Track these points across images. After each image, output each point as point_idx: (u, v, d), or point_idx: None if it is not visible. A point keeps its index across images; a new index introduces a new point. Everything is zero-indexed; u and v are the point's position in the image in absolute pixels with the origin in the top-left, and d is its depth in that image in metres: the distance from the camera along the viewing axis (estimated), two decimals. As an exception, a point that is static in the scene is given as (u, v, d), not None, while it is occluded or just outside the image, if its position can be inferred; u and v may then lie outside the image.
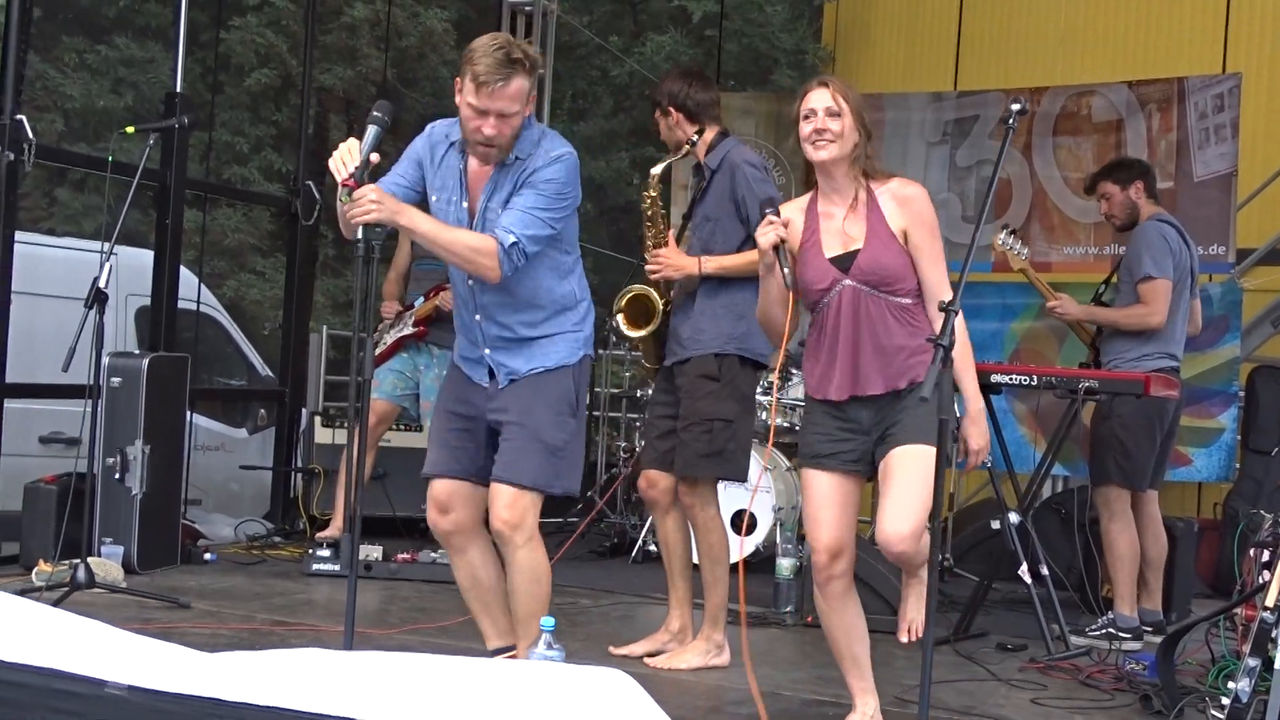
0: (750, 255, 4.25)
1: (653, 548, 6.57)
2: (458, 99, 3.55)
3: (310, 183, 7.12)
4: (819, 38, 12.60)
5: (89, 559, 4.84)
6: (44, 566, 5.09)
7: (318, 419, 7.04)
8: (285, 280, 7.29)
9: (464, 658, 2.35)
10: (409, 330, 6.16)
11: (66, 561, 5.04)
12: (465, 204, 3.64)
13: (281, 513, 6.99)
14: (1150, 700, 4.15)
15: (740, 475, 4.47)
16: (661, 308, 4.52)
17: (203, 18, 13.39)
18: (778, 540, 5.80)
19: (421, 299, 6.16)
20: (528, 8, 8.91)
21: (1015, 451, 7.81)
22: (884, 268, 3.42)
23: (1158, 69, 7.69)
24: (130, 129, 4.98)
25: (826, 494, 3.45)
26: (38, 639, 2.51)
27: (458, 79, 3.54)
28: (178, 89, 6.34)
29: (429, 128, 3.74)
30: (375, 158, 3.38)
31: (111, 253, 4.75)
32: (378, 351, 6.23)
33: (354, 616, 3.13)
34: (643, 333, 4.55)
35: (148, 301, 7.62)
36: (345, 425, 6.98)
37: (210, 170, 12.98)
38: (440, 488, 3.72)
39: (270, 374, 8.95)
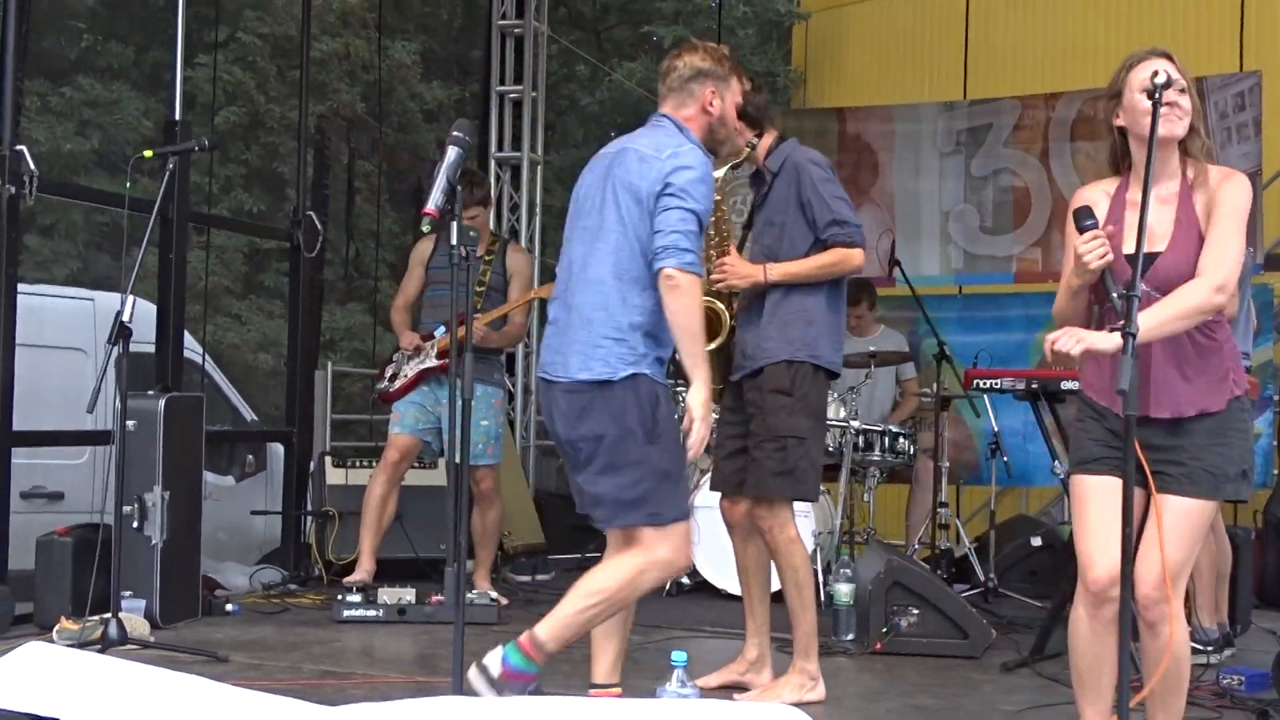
0: (820, 259, 4.16)
1: (685, 580, 6.34)
2: (725, 105, 3.69)
3: (312, 213, 6.87)
4: (789, 59, 12.59)
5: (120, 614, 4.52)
6: (67, 624, 4.78)
7: (328, 460, 6.81)
8: (289, 314, 7.03)
9: (631, 700, 2.11)
10: (431, 363, 5.91)
11: (90, 618, 4.76)
12: None
13: (294, 558, 6.70)
14: (1270, 717, 3.95)
15: (813, 495, 4.34)
16: (728, 321, 4.34)
17: (166, 56, 13.17)
18: (832, 565, 5.61)
19: (441, 329, 5.89)
20: (517, 30, 8.74)
21: (1044, 465, 7.67)
22: (1185, 278, 3.02)
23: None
24: (149, 153, 4.74)
25: (1107, 503, 3.00)
26: (143, 701, 2.23)
27: (712, 90, 3.64)
28: (177, 116, 6.06)
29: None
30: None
31: (130, 288, 4.51)
32: (397, 385, 5.98)
33: (462, 660, 2.86)
34: (709, 347, 4.30)
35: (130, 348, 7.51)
36: (359, 465, 6.79)
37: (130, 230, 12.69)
38: None
39: (254, 417, 8.68)
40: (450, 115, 14.83)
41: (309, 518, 6.66)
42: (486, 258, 5.94)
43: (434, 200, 3.07)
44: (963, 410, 7.21)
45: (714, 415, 3.95)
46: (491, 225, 5.94)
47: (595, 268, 3.53)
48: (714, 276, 4.26)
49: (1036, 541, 6.68)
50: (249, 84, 12.52)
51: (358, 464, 6.79)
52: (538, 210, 8.80)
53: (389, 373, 6.08)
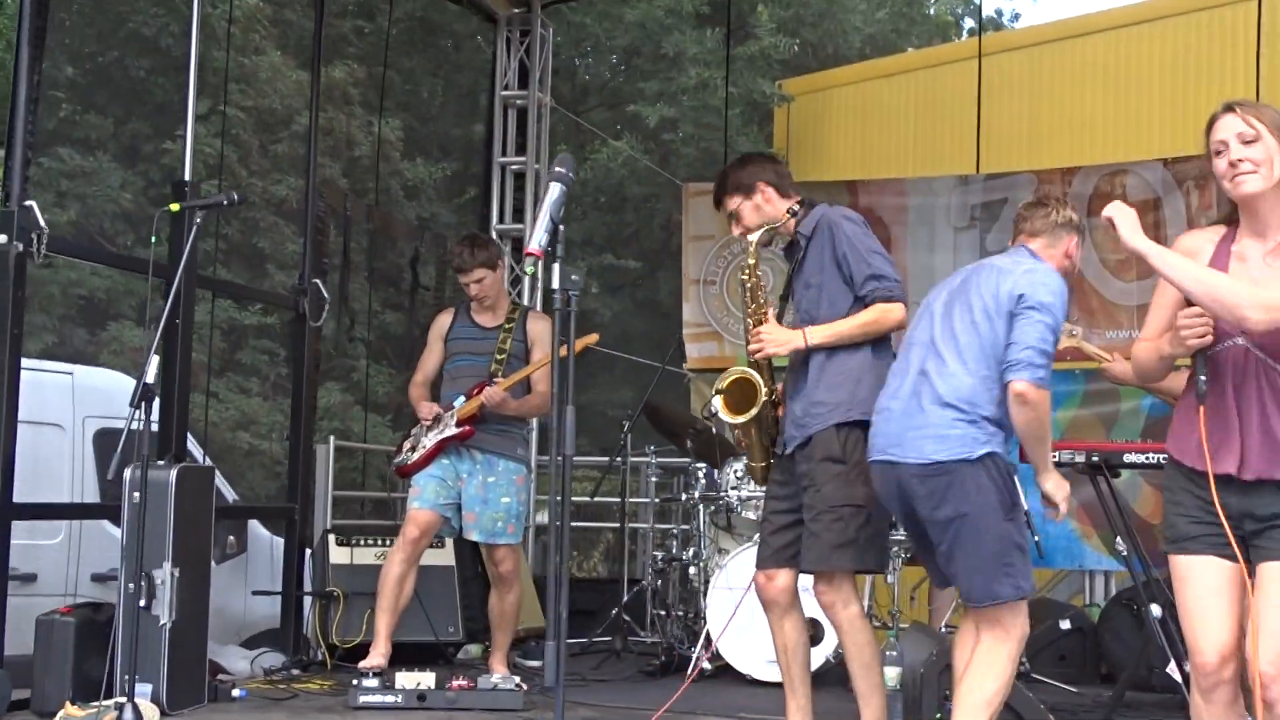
0: (860, 318, 4.11)
1: (707, 665, 6.14)
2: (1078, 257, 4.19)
3: (318, 281, 6.71)
4: (771, 141, 12.64)
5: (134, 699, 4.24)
6: (72, 710, 4.48)
7: (332, 538, 6.58)
8: (292, 385, 6.83)
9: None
10: (451, 431, 5.70)
11: (96, 704, 4.50)
12: None
13: (295, 642, 6.44)
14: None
15: (879, 565, 4.25)
16: (764, 393, 4.21)
17: (145, 128, 13.01)
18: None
19: (462, 398, 5.72)
20: (519, 101, 8.66)
21: (1064, 547, 7.53)
22: None
23: (1191, 146, 7.58)
24: (175, 206, 4.53)
25: (1209, 583, 3.01)
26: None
27: (1076, 242, 4.14)
28: (187, 176, 5.88)
29: None
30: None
31: (155, 350, 4.31)
32: (415, 456, 5.77)
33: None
34: (744, 418, 4.25)
35: (107, 424, 7.23)
36: (364, 544, 6.58)
37: (154, 288, 12.48)
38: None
39: (235, 497, 8.45)
40: (430, 194, 14.74)
41: (314, 599, 6.41)
42: (506, 325, 5.81)
43: (537, 239, 2.91)
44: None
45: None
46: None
47: (950, 364, 3.80)
48: (752, 347, 4.20)
49: (1066, 624, 6.53)
50: (231, 158, 12.34)
51: (362, 542, 6.58)
52: (542, 282, 8.65)
53: (407, 445, 5.87)
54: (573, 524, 12.19)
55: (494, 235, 8.52)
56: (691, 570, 6.61)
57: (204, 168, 12.52)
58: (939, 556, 3.82)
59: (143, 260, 4.95)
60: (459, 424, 5.68)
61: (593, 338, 5.50)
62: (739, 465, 6.48)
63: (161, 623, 4.91)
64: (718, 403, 4.32)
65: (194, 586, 5.12)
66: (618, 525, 7.85)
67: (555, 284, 2.99)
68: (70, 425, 7.13)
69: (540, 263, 3.02)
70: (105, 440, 7.50)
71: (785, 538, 4.18)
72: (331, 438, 7.20)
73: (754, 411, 4.23)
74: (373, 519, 9.32)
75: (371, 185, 13.34)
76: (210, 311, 12.14)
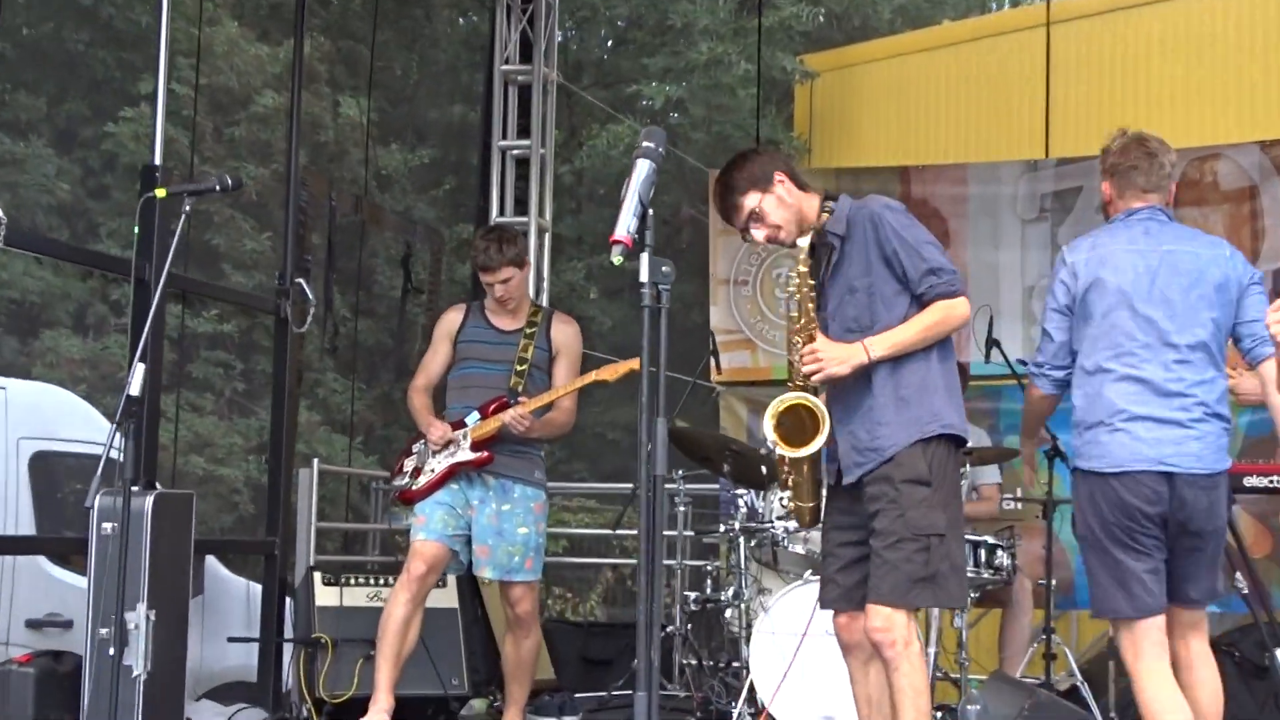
0: (924, 321, 4.11)
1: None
2: None
3: (301, 280, 6.64)
4: (791, 125, 12.61)
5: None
6: (34, 775, 4.38)
7: (317, 576, 6.50)
8: (273, 401, 6.75)
9: None
10: (466, 456, 5.62)
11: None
12: None
13: (274, 696, 6.37)
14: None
15: (962, 598, 4.36)
16: (826, 422, 4.14)
17: (83, 109, 12.94)
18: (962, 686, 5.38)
19: (476, 415, 5.63)
20: (522, 77, 8.61)
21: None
22: None
23: (1294, 126, 7.59)
24: (162, 191, 4.45)
25: None
26: None
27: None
28: (157, 161, 5.81)
29: None
30: None
31: (140, 357, 4.32)
32: (421, 481, 5.70)
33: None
34: (807, 451, 4.18)
35: (44, 445, 7.28)
36: (354, 583, 6.53)
37: (94, 290, 12.40)
38: None
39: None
40: (405, 185, 14.69)
41: (300, 648, 6.34)
42: (527, 330, 5.75)
43: (626, 224, 2.86)
44: (1059, 519, 7.01)
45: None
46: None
47: (1202, 368, 4.26)
48: (807, 368, 4.11)
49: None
50: (181, 143, 12.27)
51: (353, 581, 6.53)
52: (545, 284, 8.59)
53: (408, 466, 5.79)
54: (566, 560, 12.22)
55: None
56: (729, 613, 6.52)
57: (148, 154, 12.51)
58: (1185, 567, 4.27)
59: (113, 258, 4.84)
60: (474, 448, 5.59)
61: (635, 362, 5.37)
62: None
63: (135, 674, 4.82)
64: (773, 437, 4.24)
65: (171, 632, 5.03)
66: (620, 561, 7.82)
67: (644, 276, 2.91)
68: (1, 447, 7.12)
69: (626, 250, 2.99)
70: (43, 465, 7.46)
71: (856, 574, 4.19)
72: (315, 461, 7.09)
73: (819, 442, 4.16)
74: (343, 554, 9.26)
75: (338, 174, 13.33)
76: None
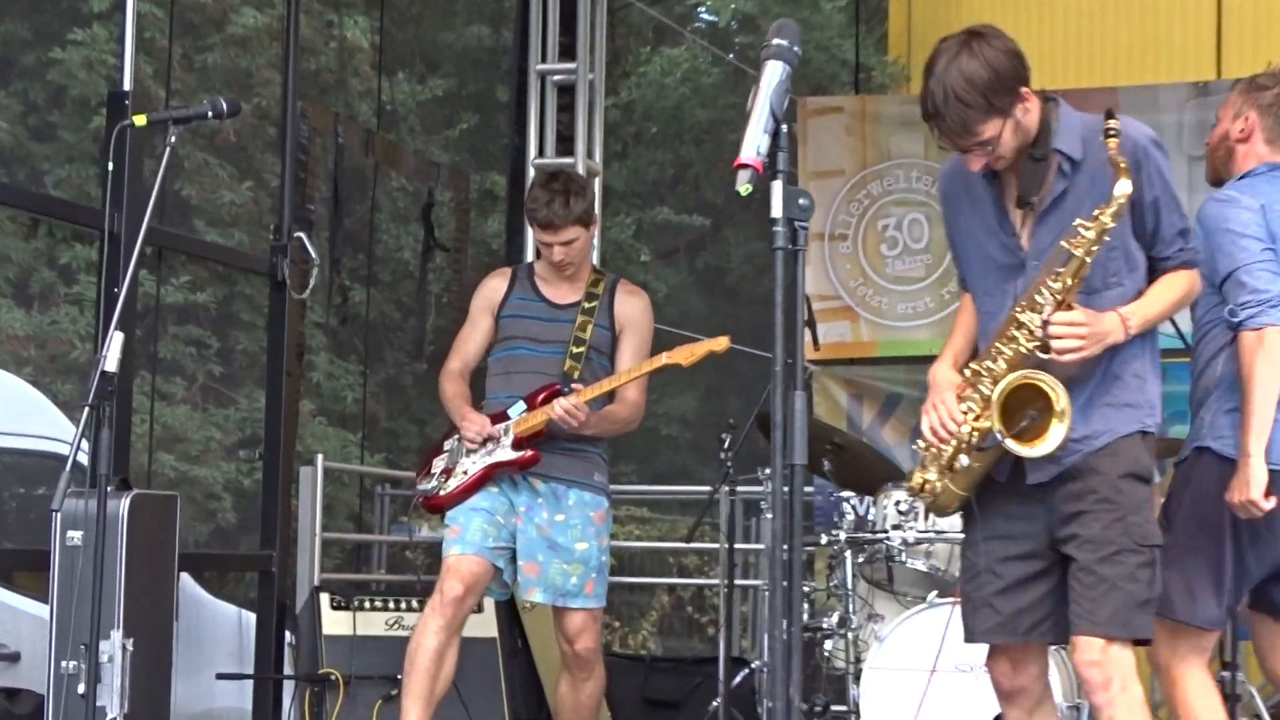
0: (1172, 292, 4.05)
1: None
2: None
3: (302, 235, 6.66)
4: (884, 47, 12.55)
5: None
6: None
7: (324, 599, 6.54)
8: (268, 381, 6.80)
9: None
10: (507, 455, 5.57)
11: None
12: None
13: (268, 745, 6.46)
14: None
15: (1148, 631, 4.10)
16: (1062, 402, 3.94)
17: (22, 31, 12.97)
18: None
19: (521, 406, 5.59)
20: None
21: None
22: None
23: None
24: (141, 119, 4.42)
25: None
26: None
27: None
28: (126, 86, 5.86)
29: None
30: None
31: (116, 324, 4.35)
32: (454, 485, 5.63)
33: None
34: (1046, 447, 3.96)
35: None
36: (370, 607, 6.58)
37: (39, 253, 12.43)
38: None
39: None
40: (413, 123, 14.69)
41: (304, 685, 6.42)
42: (586, 303, 5.70)
43: (755, 144, 2.80)
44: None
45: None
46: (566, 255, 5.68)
47: None
48: (1061, 344, 3.90)
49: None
50: (144, 71, 12.30)
51: (368, 605, 6.58)
52: (595, 239, 8.52)
53: (437, 466, 5.75)
54: (614, 580, 12.20)
55: (531, 174, 8.37)
56: (830, 645, 6.52)
57: (105, 83, 12.54)
58: None
59: (76, 207, 4.86)
60: (517, 445, 5.54)
61: (721, 342, 5.42)
62: (899, 494, 6.40)
63: (110, 716, 4.87)
64: (997, 420, 4.01)
65: (153, 665, 5.08)
66: (681, 582, 7.81)
67: (776, 211, 2.85)
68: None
69: (756, 179, 2.92)
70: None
71: (1022, 599, 4.07)
72: (319, 458, 7.08)
73: (1063, 429, 3.94)
74: (347, 573, 9.26)
75: (339, 106, 13.35)
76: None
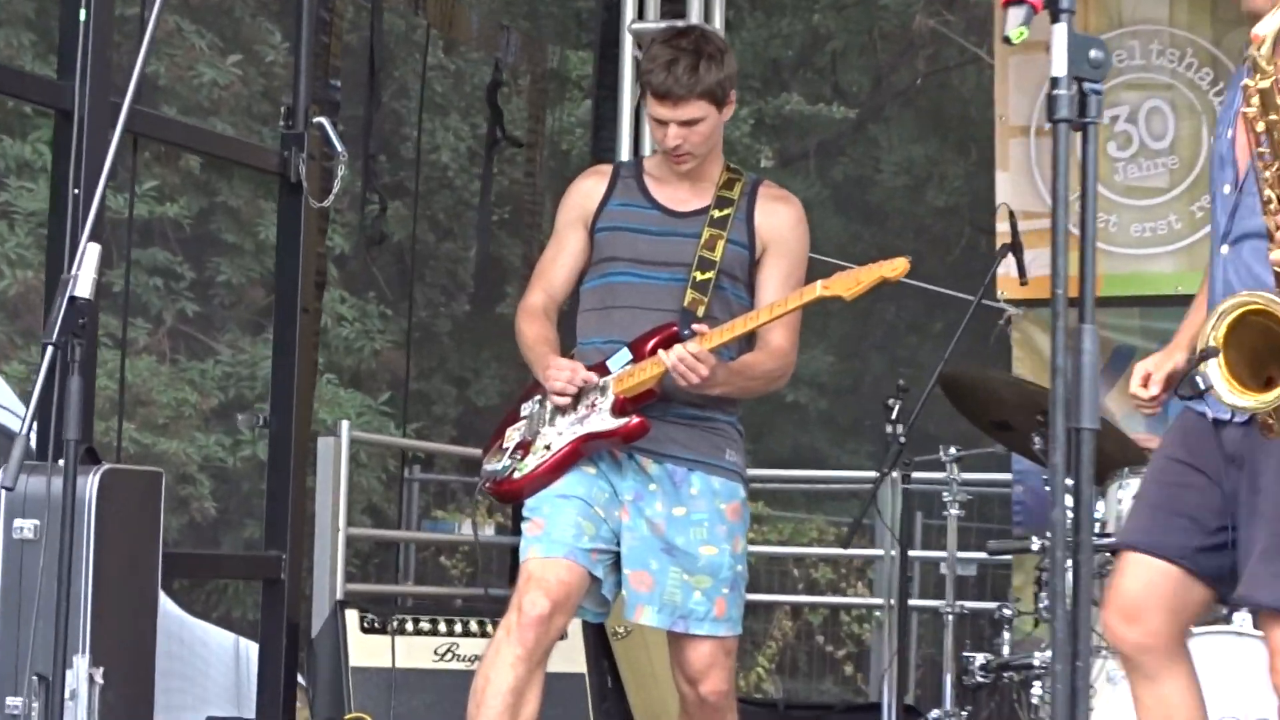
0: None
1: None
2: None
3: (324, 120, 6.66)
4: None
5: None
6: None
7: (351, 617, 6.68)
8: (276, 323, 6.86)
9: None
10: (604, 422, 5.53)
11: None
12: None
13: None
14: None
15: None
16: None
17: None
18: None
19: (626, 354, 5.55)
20: None
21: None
22: None
23: None
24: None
25: None
26: None
27: None
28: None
29: None
30: None
31: (90, 234, 4.38)
32: (530, 466, 5.59)
33: None
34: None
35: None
36: (413, 629, 6.69)
37: None
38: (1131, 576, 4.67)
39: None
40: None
41: None
42: (717, 211, 5.65)
43: None
44: None
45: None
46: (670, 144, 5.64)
47: None
48: None
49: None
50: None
51: (410, 627, 6.68)
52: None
53: (511, 439, 5.72)
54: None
55: (627, 41, 8.43)
56: (1040, 688, 6.53)
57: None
58: None
59: (22, 75, 4.83)
60: (618, 410, 5.49)
61: (898, 265, 5.38)
62: (1135, 482, 6.40)
63: (73, 769, 5.04)
64: (1220, 371, 4.33)
65: (131, 702, 5.19)
66: (811, 600, 7.73)
67: (1059, 66, 2.74)
68: None
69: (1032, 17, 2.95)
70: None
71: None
72: (344, 425, 7.13)
73: None
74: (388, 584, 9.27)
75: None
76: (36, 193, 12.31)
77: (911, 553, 7.63)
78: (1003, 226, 8.12)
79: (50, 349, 4.21)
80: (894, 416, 7.24)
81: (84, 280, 4.26)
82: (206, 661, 7.40)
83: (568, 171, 8.38)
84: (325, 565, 7.07)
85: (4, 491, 4.97)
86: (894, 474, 7.25)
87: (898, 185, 15.99)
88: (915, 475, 7.49)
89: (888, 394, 7.13)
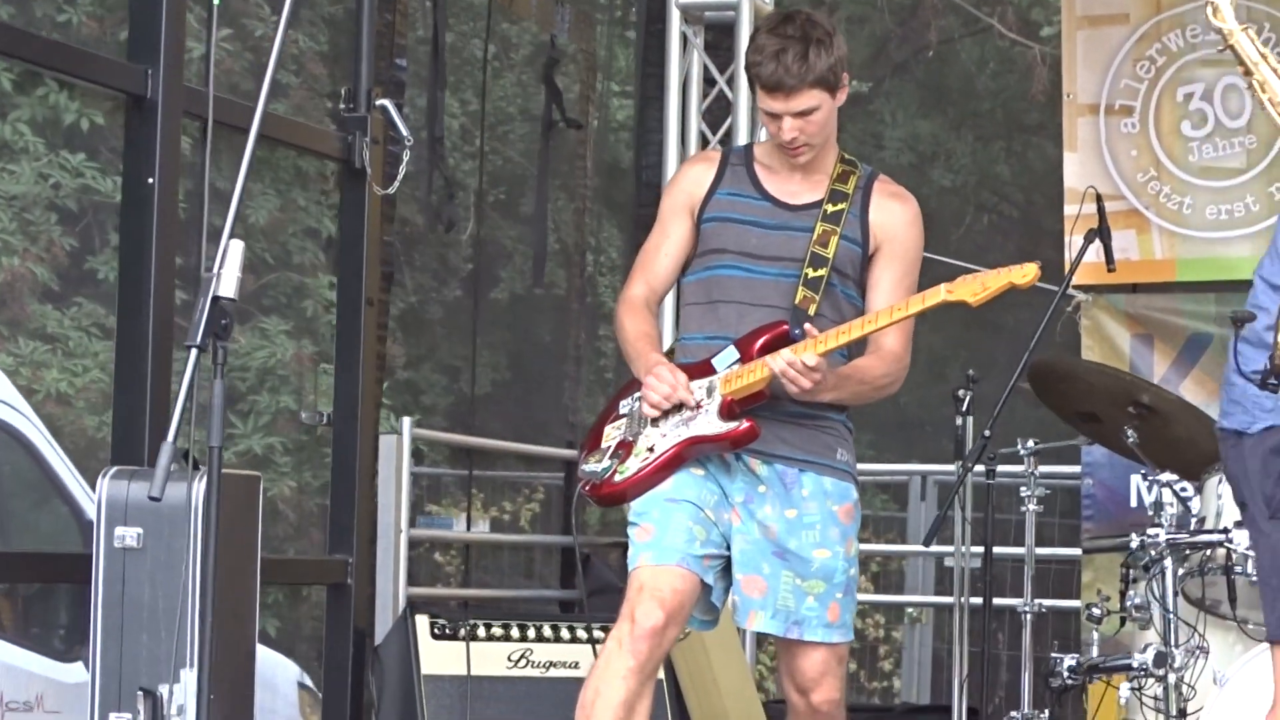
0: None
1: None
2: None
3: (388, 104, 6.67)
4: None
5: None
6: None
7: (422, 624, 6.64)
8: (339, 313, 6.93)
9: None
10: (711, 425, 5.51)
11: None
12: None
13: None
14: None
15: None
16: None
17: None
18: None
19: (733, 354, 5.53)
20: None
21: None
22: None
23: None
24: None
25: None
26: None
27: None
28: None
29: None
30: None
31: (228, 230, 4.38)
32: (631, 468, 5.58)
33: None
34: None
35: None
36: (492, 635, 6.66)
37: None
38: None
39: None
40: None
41: None
42: (830, 206, 5.64)
43: None
44: None
45: None
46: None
47: None
48: None
49: None
50: None
51: (484, 633, 6.63)
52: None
53: (610, 438, 5.72)
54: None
55: (679, 17, 8.31)
56: (1127, 688, 6.59)
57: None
58: None
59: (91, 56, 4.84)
60: (726, 413, 5.47)
61: (1028, 270, 5.34)
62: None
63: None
64: None
65: (233, 711, 5.23)
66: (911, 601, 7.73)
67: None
68: None
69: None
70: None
71: None
72: (406, 423, 7.11)
73: None
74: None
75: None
76: (35, 179, 12.21)
77: (997, 550, 7.52)
78: (1071, 210, 8.19)
79: (194, 352, 4.23)
80: (964, 409, 7.25)
81: (228, 279, 4.26)
82: (275, 687, 7.42)
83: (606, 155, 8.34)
84: (389, 569, 7.10)
85: (104, 500, 5.07)
86: (978, 469, 7.22)
87: (901, 164, 16.05)
88: (1004, 467, 7.47)
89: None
